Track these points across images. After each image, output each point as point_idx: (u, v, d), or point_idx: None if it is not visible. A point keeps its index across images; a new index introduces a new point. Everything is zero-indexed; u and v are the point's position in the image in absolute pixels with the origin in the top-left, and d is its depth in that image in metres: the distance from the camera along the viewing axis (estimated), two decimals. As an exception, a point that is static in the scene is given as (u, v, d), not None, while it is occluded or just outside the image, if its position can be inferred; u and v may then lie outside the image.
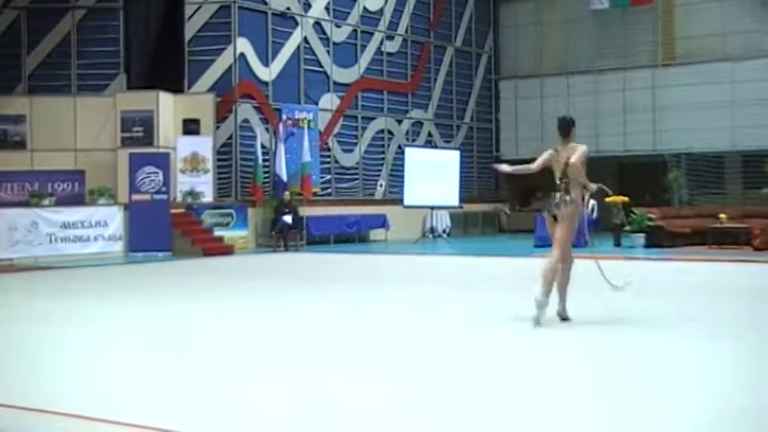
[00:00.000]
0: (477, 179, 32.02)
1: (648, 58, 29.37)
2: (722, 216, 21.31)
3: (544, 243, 21.82)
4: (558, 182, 9.13)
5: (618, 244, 21.62)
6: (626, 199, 22.24)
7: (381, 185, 28.41)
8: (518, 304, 10.86)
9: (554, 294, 8.87)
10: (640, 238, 21.38)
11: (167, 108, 23.24)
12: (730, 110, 27.52)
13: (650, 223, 21.46)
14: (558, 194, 9.08)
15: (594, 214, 22.83)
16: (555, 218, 9.09)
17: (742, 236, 20.45)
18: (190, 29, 24.14)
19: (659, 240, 21.14)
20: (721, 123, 27.58)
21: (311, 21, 26.21)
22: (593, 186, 9.20)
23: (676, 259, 18.10)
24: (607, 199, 22.24)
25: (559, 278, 9.02)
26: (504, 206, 32.46)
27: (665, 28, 29.27)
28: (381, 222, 26.67)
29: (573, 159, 8.94)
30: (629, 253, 19.96)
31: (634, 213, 21.71)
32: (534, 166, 9.41)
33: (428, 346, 7.78)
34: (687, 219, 22.66)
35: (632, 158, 29.39)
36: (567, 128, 9.27)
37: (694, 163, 28.32)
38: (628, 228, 21.68)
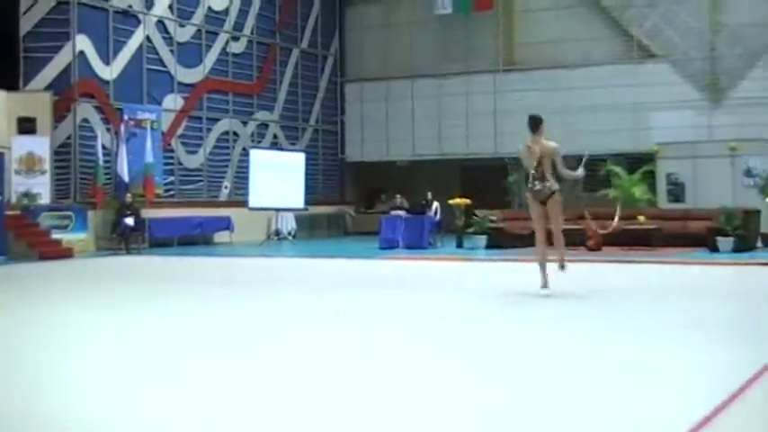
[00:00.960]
0: (322, 181, 32.08)
1: (490, 63, 30.07)
2: (559, 218, 22.00)
3: (390, 245, 22.14)
4: (533, 171, 10.75)
5: (460, 245, 22.03)
6: (468, 201, 22.74)
7: (226, 187, 28.12)
8: (378, 302, 10.97)
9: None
10: (482, 240, 21.85)
11: (0, 106, 22.35)
12: (566, 115, 28.47)
13: (492, 225, 21.96)
14: (535, 182, 10.80)
15: (438, 216, 23.35)
16: (543, 202, 10.90)
17: (577, 237, 21.13)
18: (25, 24, 23.29)
19: (500, 241, 21.60)
20: (558, 128, 28.44)
21: (154, 19, 25.70)
22: (580, 172, 11.35)
23: (512, 260, 18.60)
24: (450, 201, 22.84)
25: (556, 247, 11.22)
26: (349, 208, 32.65)
27: (506, 34, 30.06)
28: (226, 224, 26.40)
29: (552, 146, 10.81)
30: (471, 254, 20.40)
31: (476, 215, 22.16)
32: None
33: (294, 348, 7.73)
34: (527, 220, 23.27)
35: (475, 161, 30.00)
36: (535, 124, 10.83)
37: (534, 166, 29.12)
38: (470, 229, 22.12)
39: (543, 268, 11.04)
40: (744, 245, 19.58)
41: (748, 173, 24.53)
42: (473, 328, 8.87)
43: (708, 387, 5.82)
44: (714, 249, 19.53)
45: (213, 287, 13.87)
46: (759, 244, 20.26)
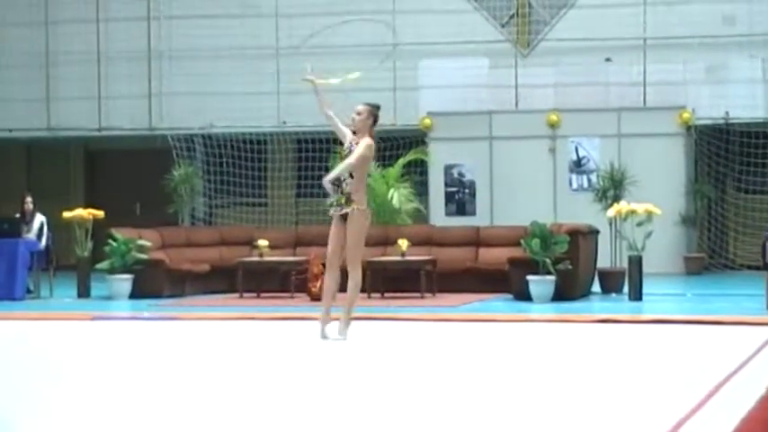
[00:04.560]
0: None
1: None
2: None
3: None
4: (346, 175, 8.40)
5: (85, 293, 15.27)
6: (99, 213, 15.79)
7: None
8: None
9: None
10: (126, 283, 15.03)
11: None
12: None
13: (142, 257, 15.12)
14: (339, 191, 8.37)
15: (44, 241, 16.03)
16: (344, 218, 8.49)
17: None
18: None
19: (157, 284, 14.61)
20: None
21: None
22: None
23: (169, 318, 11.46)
24: (67, 213, 14.89)
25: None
26: None
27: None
28: None
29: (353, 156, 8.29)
30: (105, 310, 13.61)
31: (114, 239, 15.41)
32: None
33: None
34: (200, 248, 15.82)
35: (110, 141, 20.93)
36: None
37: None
38: (103, 264, 15.07)
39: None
40: (571, 289, 12.21)
41: (578, 165, 16.42)
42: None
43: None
44: (523, 296, 12.39)
45: None
46: (596, 288, 12.66)
